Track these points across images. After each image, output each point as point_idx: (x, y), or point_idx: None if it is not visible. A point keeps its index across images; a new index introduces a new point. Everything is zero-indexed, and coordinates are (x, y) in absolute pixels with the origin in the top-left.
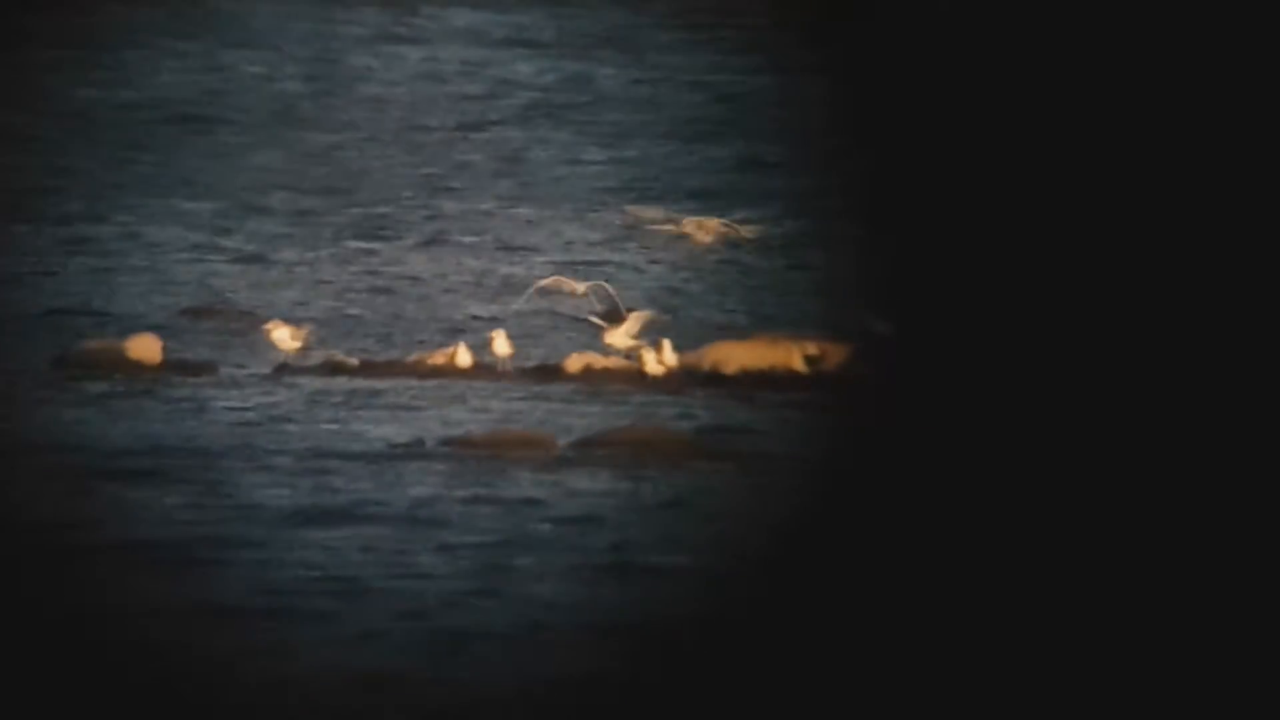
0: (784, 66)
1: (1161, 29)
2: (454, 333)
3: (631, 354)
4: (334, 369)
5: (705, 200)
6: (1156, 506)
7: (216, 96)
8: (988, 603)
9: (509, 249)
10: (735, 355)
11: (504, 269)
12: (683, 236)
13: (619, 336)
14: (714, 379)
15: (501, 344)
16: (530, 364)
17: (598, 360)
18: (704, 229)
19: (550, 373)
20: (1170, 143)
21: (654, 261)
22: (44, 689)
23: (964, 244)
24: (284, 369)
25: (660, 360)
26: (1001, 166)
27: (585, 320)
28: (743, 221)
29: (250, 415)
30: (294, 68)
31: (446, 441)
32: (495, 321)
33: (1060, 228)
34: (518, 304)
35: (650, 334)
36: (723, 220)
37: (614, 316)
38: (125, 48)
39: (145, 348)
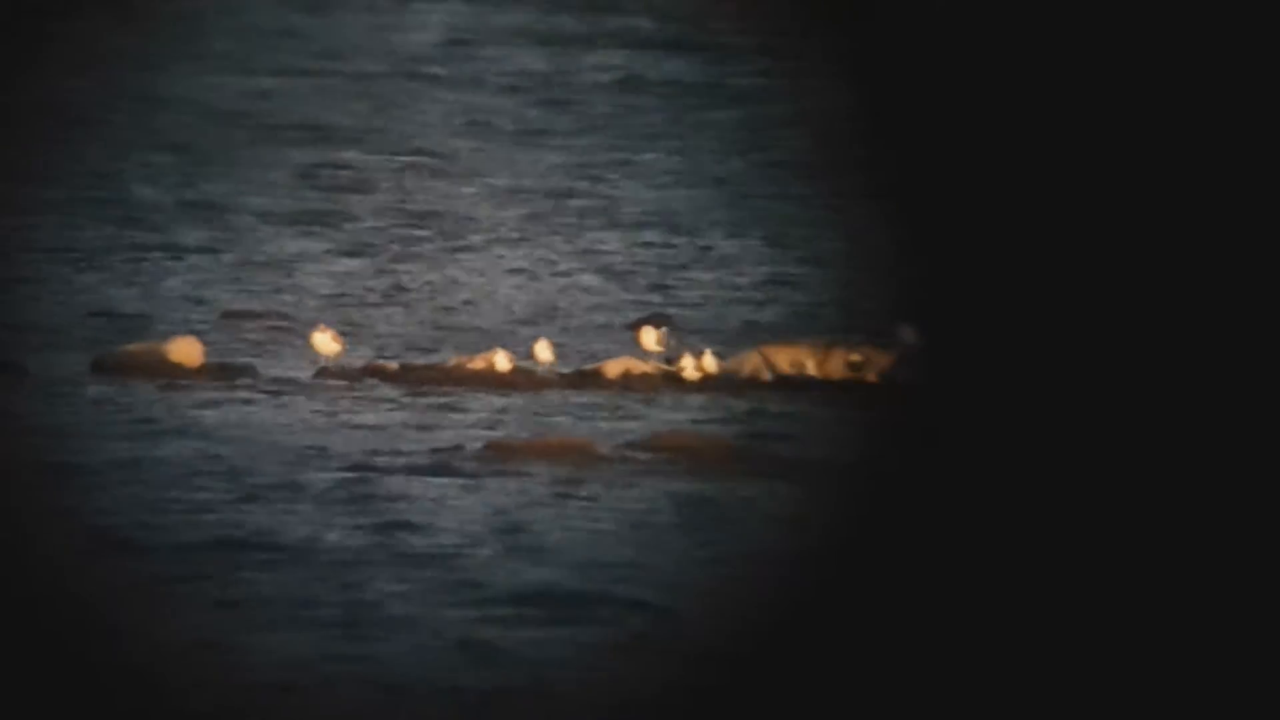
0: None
1: (1181, 24)
2: (494, 338)
3: (672, 359)
4: (373, 373)
5: (734, 209)
6: (1197, 509)
7: (260, 99)
8: (1029, 608)
9: (552, 253)
10: (775, 361)
11: (547, 274)
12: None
13: (653, 340)
14: (754, 385)
15: (544, 349)
16: (570, 369)
17: (637, 365)
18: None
19: (590, 378)
20: (1186, 142)
21: (682, 266)
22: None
23: (1000, 249)
24: (324, 373)
25: (700, 366)
26: (1031, 168)
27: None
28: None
29: (290, 419)
30: (333, 80)
31: (487, 446)
32: (537, 327)
33: (1092, 229)
34: (560, 310)
35: (687, 340)
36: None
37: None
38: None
39: (186, 351)
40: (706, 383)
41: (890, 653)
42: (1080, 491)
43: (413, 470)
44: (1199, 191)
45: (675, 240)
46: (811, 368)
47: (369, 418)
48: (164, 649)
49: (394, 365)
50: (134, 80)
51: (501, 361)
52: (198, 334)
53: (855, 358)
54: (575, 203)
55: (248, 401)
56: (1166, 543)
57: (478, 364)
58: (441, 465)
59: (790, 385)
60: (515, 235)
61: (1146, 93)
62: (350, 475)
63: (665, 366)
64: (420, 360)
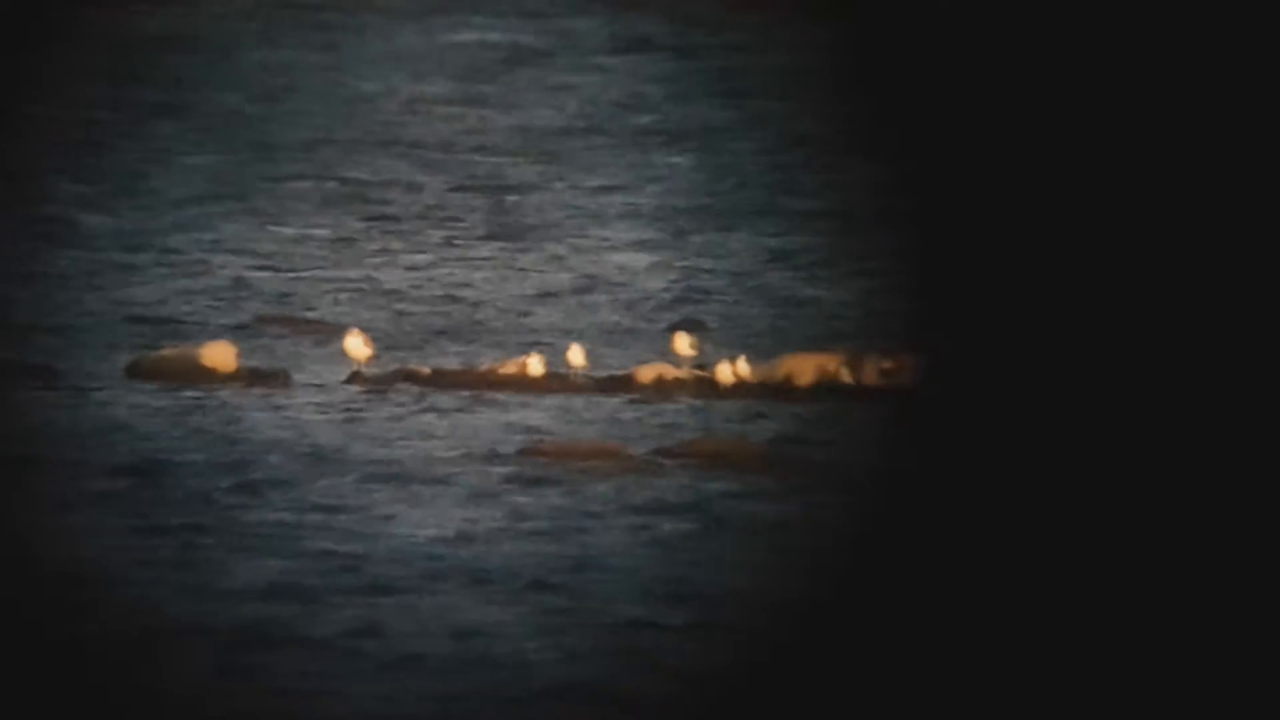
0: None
1: (1187, 24)
2: (527, 342)
3: (705, 364)
4: (406, 378)
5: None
6: (1217, 517)
7: (281, 96)
8: (1056, 611)
9: (585, 259)
10: (809, 367)
11: (581, 279)
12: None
13: (686, 345)
14: (787, 391)
15: (576, 354)
16: (603, 374)
17: (670, 371)
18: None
19: (623, 383)
20: (1192, 146)
21: (717, 272)
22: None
23: (1023, 256)
24: (356, 377)
25: (734, 371)
26: (1047, 171)
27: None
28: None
29: (323, 423)
30: (380, 84)
31: (520, 451)
32: (570, 331)
33: (1114, 235)
34: (593, 314)
35: (721, 345)
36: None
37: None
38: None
39: (219, 355)
40: (740, 388)
41: (921, 654)
42: (1106, 496)
43: (446, 475)
44: (1210, 194)
45: (710, 245)
46: (844, 374)
47: (400, 422)
48: (195, 670)
49: (426, 370)
50: (179, 82)
51: (535, 366)
52: (231, 338)
53: (888, 365)
54: (611, 206)
55: (281, 406)
56: (1188, 550)
57: (510, 368)
58: (473, 470)
59: (823, 391)
60: (549, 239)
61: (1150, 96)
62: (382, 479)
63: (698, 372)
64: (453, 365)
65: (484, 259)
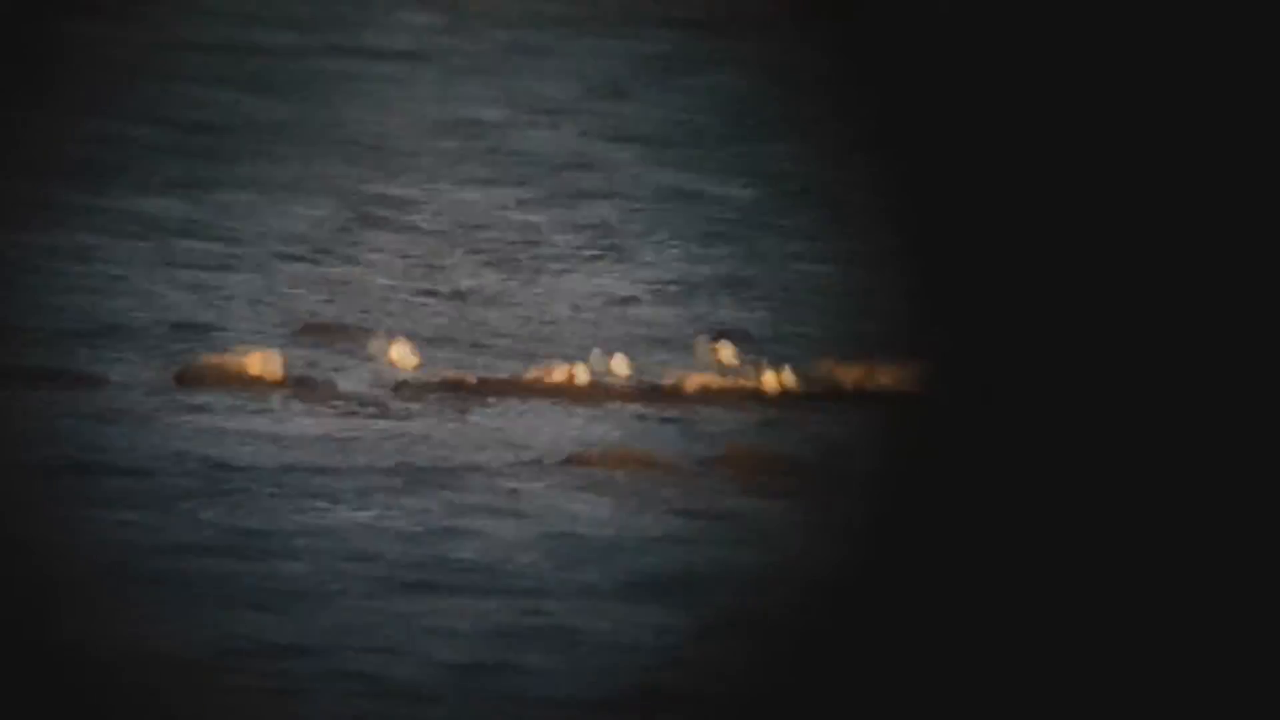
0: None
1: (1187, 24)
2: (574, 351)
3: (750, 374)
4: (453, 386)
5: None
6: (1233, 523)
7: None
8: (1069, 622)
9: (631, 265)
10: (853, 375)
11: (625, 287)
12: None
13: (730, 355)
14: (833, 399)
15: (621, 364)
16: (647, 383)
17: (714, 380)
18: None
19: (667, 392)
20: (1198, 150)
21: (761, 280)
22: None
23: (1027, 255)
24: (403, 386)
25: (779, 381)
26: (1052, 173)
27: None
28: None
29: (368, 432)
30: (431, 88)
31: (566, 460)
32: (614, 340)
33: (1127, 239)
34: (638, 323)
35: (766, 354)
36: None
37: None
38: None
39: (265, 364)
40: (785, 397)
41: (955, 660)
42: (1119, 495)
43: (492, 485)
44: (1212, 193)
45: (755, 253)
46: (889, 382)
47: (446, 431)
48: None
49: (472, 378)
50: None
51: (580, 375)
52: (278, 347)
53: (923, 370)
54: (653, 216)
55: (327, 414)
56: (1199, 550)
57: (556, 377)
58: (521, 478)
59: (869, 400)
60: (593, 248)
61: (1152, 96)
62: (428, 488)
63: (743, 381)
64: (498, 374)
65: (531, 267)
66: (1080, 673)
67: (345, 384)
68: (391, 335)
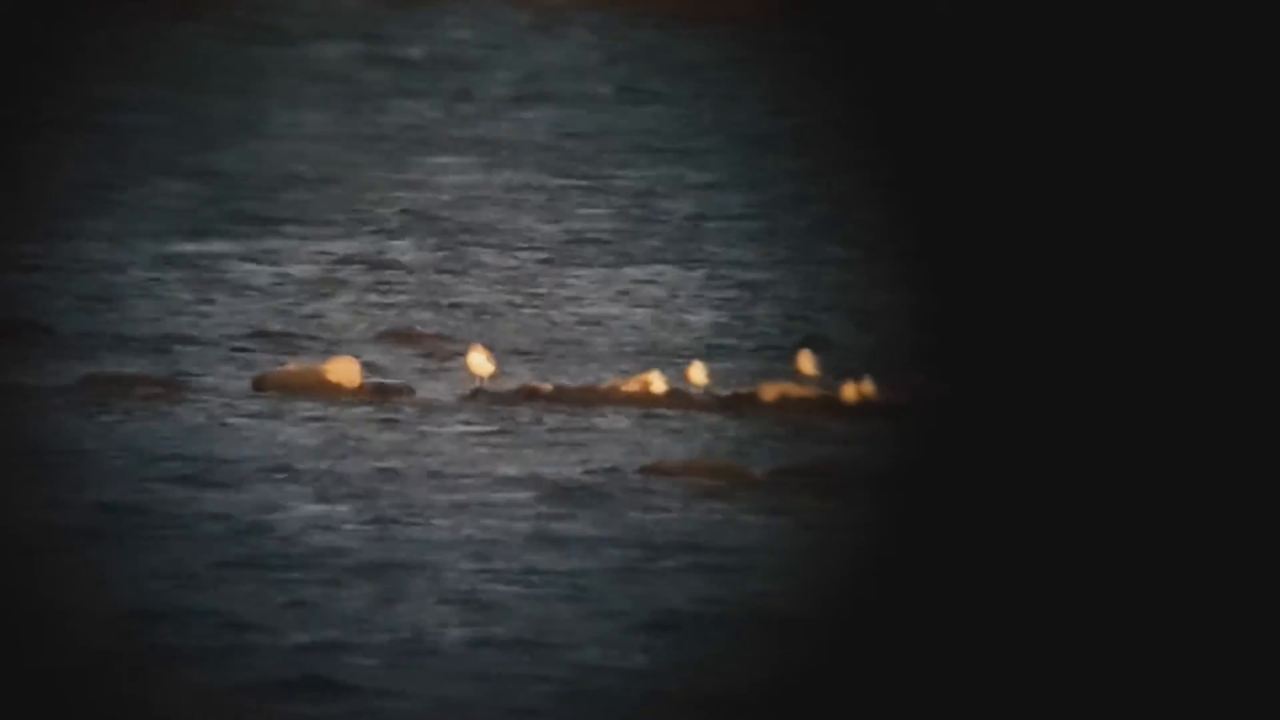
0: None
1: (1187, 24)
2: (650, 360)
3: (830, 384)
4: (529, 395)
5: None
6: (1240, 524)
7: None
8: (1076, 629)
9: (709, 274)
10: (935, 385)
11: (703, 296)
12: None
13: (811, 364)
14: (913, 410)
15: (698, 372)
16: (726, 392)
17: (794, 390)
18: None
19: (746, 401)
20: (1203, 153)
21: (840, 288)
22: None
23: (1035, 263)
24: (479, 394)
25: (859, 391)
26: (1058, 178)
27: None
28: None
29: (445, 440)
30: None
31: (641, 470)
32: (691, 350)
33: (1136, 244)
34: (716, 333)
35: (846, 364)
36: None
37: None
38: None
39: (344, 371)
40: (865, 407)
41: (983, 664)
42: (1127, 500)
43: (567, 494)
44: (1214, 191)
45: (834, 262)
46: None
47: (523, 439)
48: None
49: (548, 386)
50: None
51: (657, 383)
52: (356, 354)
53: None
54: (733, 226)
55: (404, 423)
56: (1207, 553)
57: (632, 386)
58: (598, 486)
59: (949, 410)
60: (672, 256)
61: (1154, 96)
62: (504, 495)
63: (823, 391)
64: (575, 382)
65: (608, 275)
66: (1089, 671)
67: (422, 392)
68: (469, 344)
